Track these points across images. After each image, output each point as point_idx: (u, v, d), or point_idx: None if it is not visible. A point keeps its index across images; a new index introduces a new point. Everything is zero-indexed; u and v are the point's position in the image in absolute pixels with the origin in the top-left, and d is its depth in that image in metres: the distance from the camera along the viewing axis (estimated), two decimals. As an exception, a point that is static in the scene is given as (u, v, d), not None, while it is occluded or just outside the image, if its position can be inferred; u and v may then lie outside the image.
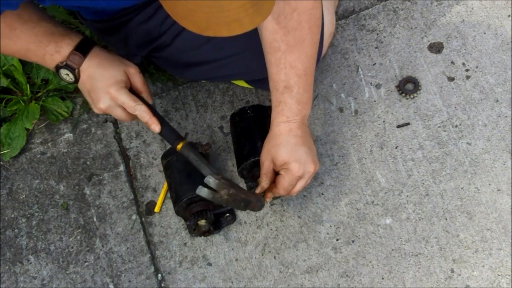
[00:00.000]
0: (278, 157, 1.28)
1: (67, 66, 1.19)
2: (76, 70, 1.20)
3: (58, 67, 1.19)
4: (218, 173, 1.26)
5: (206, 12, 0.84)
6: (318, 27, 1.23)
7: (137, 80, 1.25)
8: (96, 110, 1.24)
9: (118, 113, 1.24)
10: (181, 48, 1.34)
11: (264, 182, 1.32)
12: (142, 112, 1.23)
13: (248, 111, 1.44)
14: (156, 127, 1.25)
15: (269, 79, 1.26)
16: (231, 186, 1.26)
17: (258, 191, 1.34)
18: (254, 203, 1.32)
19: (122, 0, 1.26)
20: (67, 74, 1.21)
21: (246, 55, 1.34)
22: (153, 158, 1.56)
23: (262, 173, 1.32)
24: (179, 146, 1.29)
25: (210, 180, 1.22)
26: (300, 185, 1.31)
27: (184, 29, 1.00)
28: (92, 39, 1.27)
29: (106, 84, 1.20)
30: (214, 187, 1.23)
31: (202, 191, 1.22)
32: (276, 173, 1.33)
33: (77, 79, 1.21)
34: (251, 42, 1.26)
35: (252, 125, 1.42)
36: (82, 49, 1.19)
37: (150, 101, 1.27)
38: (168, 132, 1.29)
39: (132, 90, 1.25)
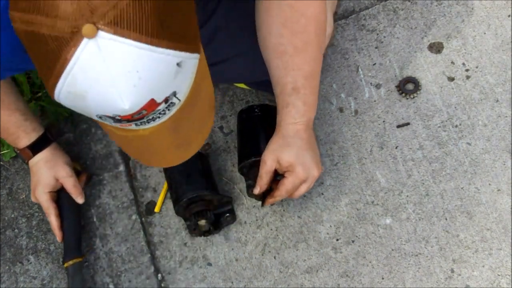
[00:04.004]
0: (283, 158, 1.27)
1: (20, 155, 1.44)
2: (26, 161, 1.43)
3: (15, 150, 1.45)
4: None
5: (135, 147, 0.93)
6: (324, 31, 1.24)
7: (66, 183, 1.43)
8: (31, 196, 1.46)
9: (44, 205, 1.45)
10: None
11: (263, 181, 1.32)
12: (51, 220, 1.43)
13: (256, 109, 1.44)
14: (58, 238, 1.44)
15: (275, 82, 1.26)
16: None
17: (256, 191, 1.34)
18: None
19: None
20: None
21: (247, 57, 1.33)
22: (153, 158, 1.56)
23: (262, 171, 1.31)
24: (66, 264, 1.43)
25: None
26: (303, 188, 1.31)
27: None
28: (49, 138, 1.45)
29: (35, 183, 1.42)
30: None
31: None
32: (275, 175, 1.32)
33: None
34: (251, 45, 1.26)
35: (258, 125, 1.42)
36: (35, 147, 1.41)
37: (79, 201, 1.44)
38: (66, 246, 1.44)
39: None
